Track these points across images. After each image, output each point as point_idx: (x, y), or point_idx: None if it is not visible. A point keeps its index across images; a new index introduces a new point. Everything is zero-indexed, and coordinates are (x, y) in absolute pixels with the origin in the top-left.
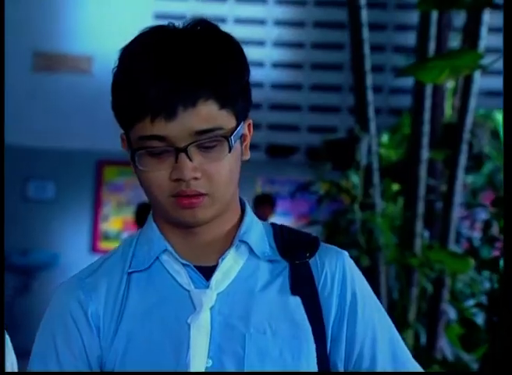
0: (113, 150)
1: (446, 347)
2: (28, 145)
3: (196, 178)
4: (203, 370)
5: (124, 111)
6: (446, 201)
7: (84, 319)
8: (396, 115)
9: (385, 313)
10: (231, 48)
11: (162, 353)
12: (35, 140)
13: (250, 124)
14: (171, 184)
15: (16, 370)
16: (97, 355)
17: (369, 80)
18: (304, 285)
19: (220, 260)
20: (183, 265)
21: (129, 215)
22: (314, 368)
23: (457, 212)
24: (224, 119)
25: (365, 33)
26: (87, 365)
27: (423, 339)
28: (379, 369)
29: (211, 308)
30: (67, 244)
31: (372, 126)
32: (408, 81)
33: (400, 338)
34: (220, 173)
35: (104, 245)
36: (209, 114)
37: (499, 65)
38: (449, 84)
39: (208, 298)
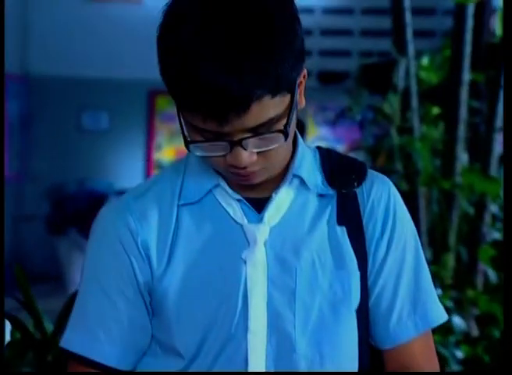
0: None
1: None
2: (81, 76)
3: (252, 162)
4: (263, 307)
5: (174, 94)
6: (488, 123)
7: (134, 246)
8: (440, 37)
9: (420, 249)
10: (277, 19)
11: (216, 287)
12: (88, 70)
13: (304, 74)
14: (226, 165)
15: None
16: (145, 281)
17: (406, 1)
18: (349, 215)
19: (274, 194)
20: (235, 199)
21: (181, 144)
22: (357, 298)
23: (500, 135)
24: (277, 104)
25: None
26: (136, 290)
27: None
28: (397, 307)
29: (264, 244)
30: (122, 174)
31: (410, 48)
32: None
33: (426, 277)
34: (277, 153)
35: None
36: (262, 109)
37: None
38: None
39: (262, 232)
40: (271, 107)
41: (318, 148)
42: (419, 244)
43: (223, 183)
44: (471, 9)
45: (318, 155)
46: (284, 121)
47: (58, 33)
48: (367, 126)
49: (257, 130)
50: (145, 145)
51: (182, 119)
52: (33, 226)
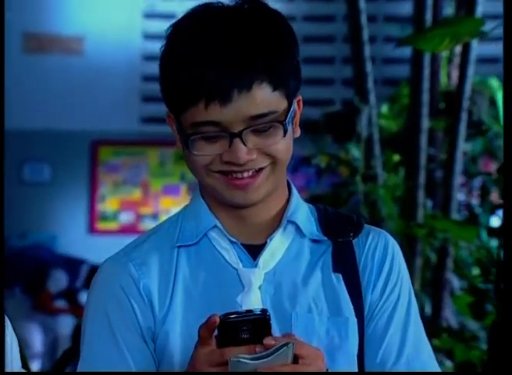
0: (107, 130)
1: (450, 316)
2: (22, 128)
3: (251, 160)
4: None
5: (176, 95)
6: (447, 169)
7: (137, 292)
8: (391, 85)
9: (413, 305)
10: (282, 27)
11: None
12: (28, 122)
13: (299, 100)
14: (221, 165)
15: (16, 349)
16: (148, 326)
17: (367, 50)
18: (345, 263)
19: (268, 240)
20: (231, 242)
21: (125, 195)
22: (355, 344)
23: (458, 180)
24: (277, 101)
25: (362, 3)
26: (141, 337)
27: (427, 309)
28: (384, 346)
29: (259, 288)
30: (65, 226)
31: (372, 97)
32: (402, 51)
33: (416, 332)
34: (277, 150)
35: (102, 226)
36: (263, 97)
37: (495, 31)
38: (444, 53)
39: (257, 277)
40: (271, 100)
41: (315, 204)
42: (413, 300)
43: (220, 225)
44: (427, 58)
45: (314, 209)
46: (283, 118)
47: None
48: (323, 174)
49: (257, 122)
50: (88, 196)
51: (181, 127)
52: None
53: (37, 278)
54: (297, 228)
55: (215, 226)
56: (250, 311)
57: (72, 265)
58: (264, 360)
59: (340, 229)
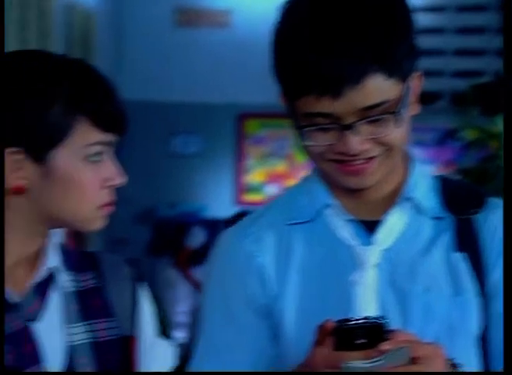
0: (254, 103)
1: None
2: (172, 100)
3: (364, 150)
4: None
5: (287, 83)
6: None
7: (252, 269)
8: None
9: None
10: (397, 5)
11: (329, 309)
12: (179, 95)
13: (420, 75)
14: (334, 154)
15: (149, 322)
16: (264, 303)
17: None
18: (468, 241)
19: (385, 216)
20: (347, 219)
21: (271, 167)
22: (477, 325)
23: None
24: (390, 89)
25: None
26: (256, 314)
27: None
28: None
29: (376, 266)
30: (212, 197)
31: None
32: None
33: None
34: (391, 139)
35: (248, 197)
36: (376, 88)
37: None
38: None
39: (373, 254)
40: (384, 89)
41: (440, 175)
42: None
43: (336, 203)
44: None
45: (438, 181)
46: (395, 107)
47: (148, 58)
48: (471, 148)
49: (369, 113)
50: (235, 168)
51: (293, 113)
52: (124, 249)
53: (181, 242)
54: (416, 205)
55: (331, 204)
56: (366, 318)
57: (212, 223)
58: (377, 363)
59: (463, 204)
